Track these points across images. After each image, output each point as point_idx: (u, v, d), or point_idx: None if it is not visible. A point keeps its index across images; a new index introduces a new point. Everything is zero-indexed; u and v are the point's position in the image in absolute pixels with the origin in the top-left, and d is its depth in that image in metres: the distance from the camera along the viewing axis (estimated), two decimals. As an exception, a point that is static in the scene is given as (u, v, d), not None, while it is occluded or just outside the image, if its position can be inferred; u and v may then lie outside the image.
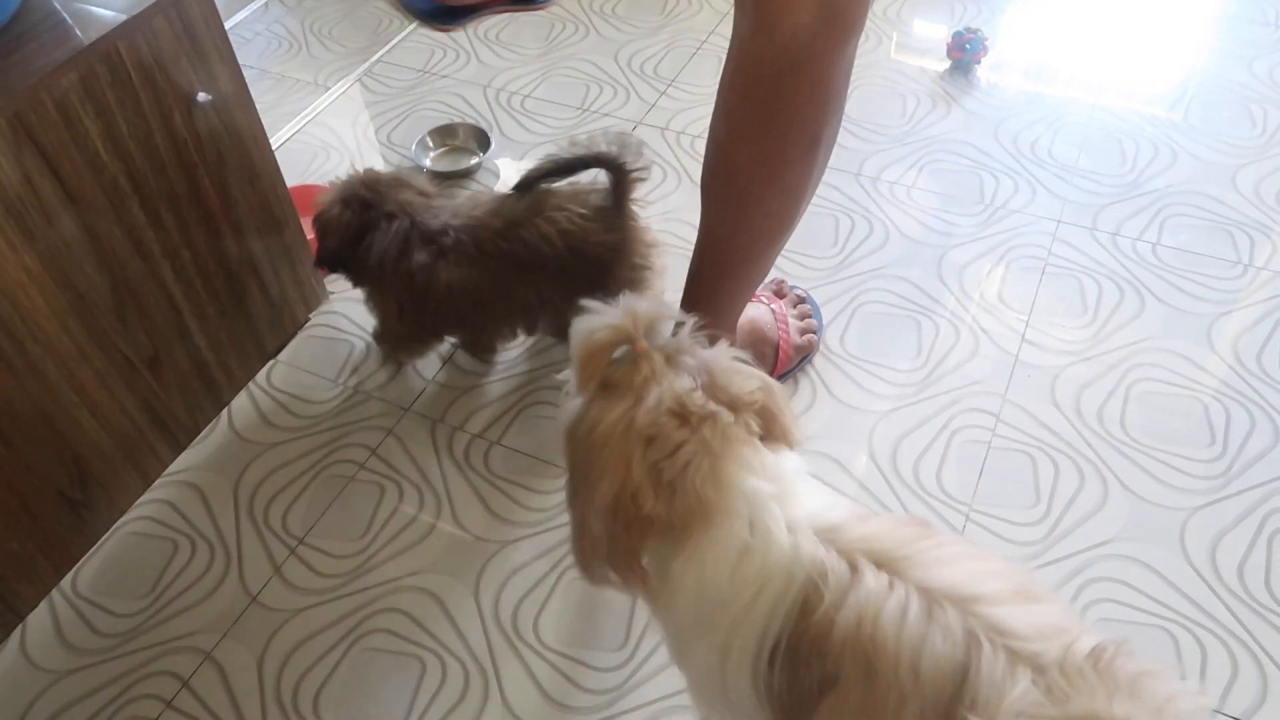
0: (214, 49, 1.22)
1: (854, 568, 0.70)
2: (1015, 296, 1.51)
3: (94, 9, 1.11)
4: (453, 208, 1.31)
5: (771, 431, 0.77)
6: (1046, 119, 1.82)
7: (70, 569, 1.25)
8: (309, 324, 1.54)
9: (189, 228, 1.26)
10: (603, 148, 1.21)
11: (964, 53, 1.90)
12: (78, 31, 1.08)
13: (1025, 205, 1.65)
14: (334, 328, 1.54)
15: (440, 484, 1.32)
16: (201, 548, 1.27)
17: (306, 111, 1.96)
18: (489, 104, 1.94)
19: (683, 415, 0.72)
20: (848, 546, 0.72)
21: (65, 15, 1.11)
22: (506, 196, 1.29)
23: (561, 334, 1.24)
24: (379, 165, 1.78)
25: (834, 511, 0.74)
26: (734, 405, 0.74)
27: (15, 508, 1.15)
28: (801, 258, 1.58)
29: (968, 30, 1.90)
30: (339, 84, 2.03)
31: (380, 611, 1.19)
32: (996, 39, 1.96)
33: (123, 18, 1.10)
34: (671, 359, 0.74)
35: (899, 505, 1.26)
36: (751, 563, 0.73)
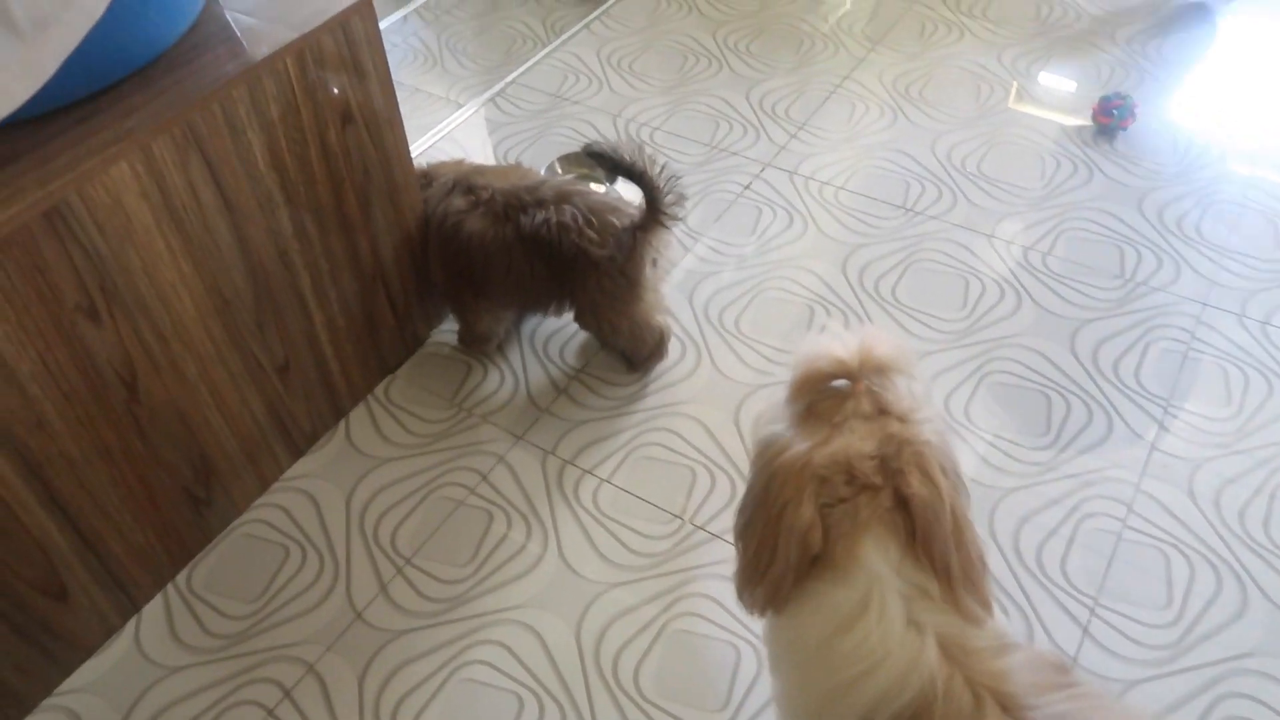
0: (372, 68, 1.24)
1: (978, 703, 0.67)
2: (1154, 380, 1.44)
3: (267, 24, 1.14)
4: (503, 172, 1.40)
5: (923, 540, 0.73)
6: (1196, 193, 1.74)
7: (187, 564, 1.28)
8: (428, 342, 1.55)
9: (330, 239, 1.28)
10: (660, 182, 1.27)
11: (1111, 118, 1.83)
12: (249, 46, 1.11)
13: (1168, 284, 1.58)
14: (453, 347, 1.55)
15: (548, 517, 1.31)
16: (311, 556, 1.28)
17: (439, 127, 1.99)
18: (618, 133, 1.94)
19: (850, 475, 0.71)
20: (978, 677, 0.68)
21: (238, 30, 1.14)
22: (552, 175, 1.37)
23: (541, 312, 1.43)
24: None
25: (975, 630, 0.71)
26: (900, 493, 0.71)
27: (144, 500, 1.17)
28: (928, 319, 1.53)
29: (1116, 95, 1.83)
30: (471, 101, 2.06)
31: (482, 643, 1.18)
32: (1143, 105, 1.89)
33: (294, 35, 1.12)
34: (882, 411, 0.72)
35: (1019, 589, 1.21)
36: (855, 639, 0.71)
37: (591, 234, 1.30)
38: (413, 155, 1.89)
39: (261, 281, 1.21)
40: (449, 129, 1.98)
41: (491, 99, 2.05)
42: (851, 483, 0.71)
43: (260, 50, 1.10)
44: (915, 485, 0.70)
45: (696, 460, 1.36)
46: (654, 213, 1.29)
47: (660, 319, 1.42)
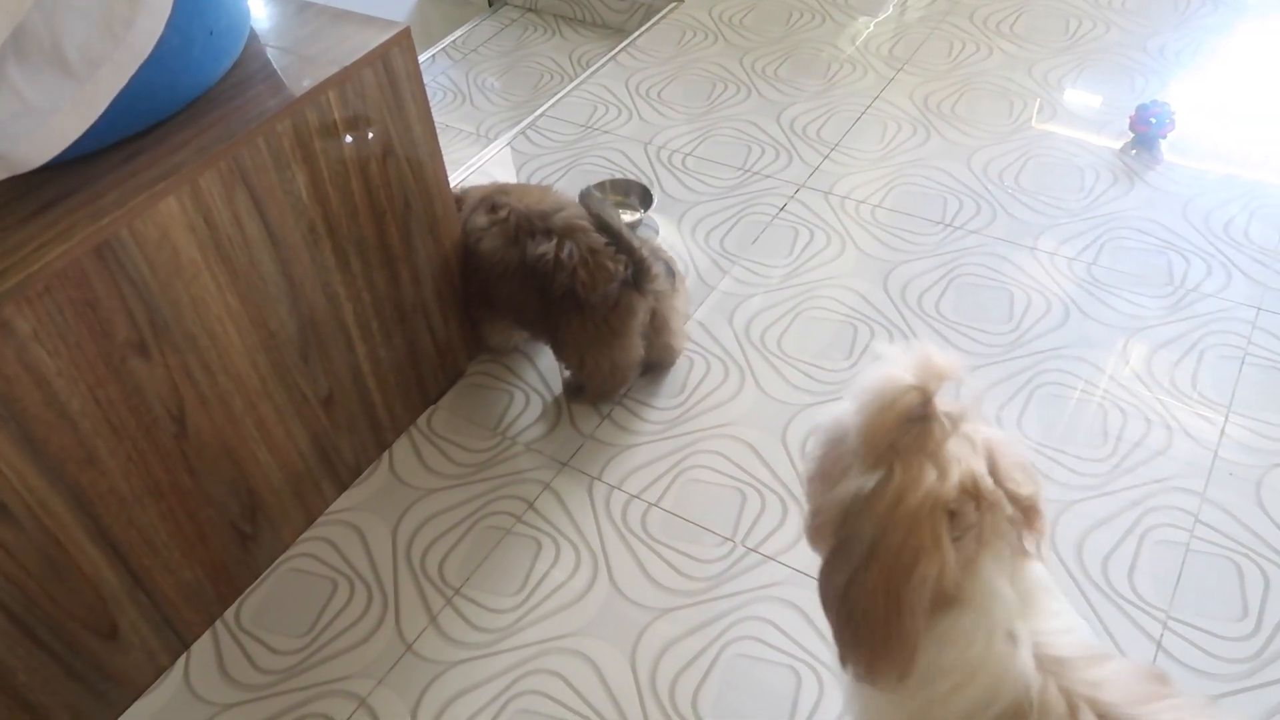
0: (412, 100, 1.25)
1: (1073, 712, 0.64)
2: (1212, 387, 1.40)
3: (307, 60, 1.15)
4: (528, 192, 1.44)
5: (1030, 533, 0.70)
6: (1241, 198, 1.71)
7: (235, 600, 1.27)
8: (469, 373, 1.55)
9: (372, 272, 1.29)
10: (646, 256, 1.31)
11: (1149, 126, 1.81)
12: (291, 81, 1.12)
13: (1219, 290, 1.55)
14: (493, 376, 1.54)
15: (597, 543, 1.29)
16: (360, 589, 1.27)
17: (471, 161, 2.00)
18: (650, 160, 1.94)
19: (978, 498, 0.67)
20: (1073, 686, 0.65)
21: (279, 66, 1.15)
22: (571, 204, 1.38)
23: (536, 338, 1.49)
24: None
25: (1069, 639, 0.68)
26: (1014, 496, 0.68)
27: (193, 536, 1.17)
28: (974, 332, 1.51)
29: (1155, 103, 1.81)
30: (502, 136, 2.07)
31: (536, 672, 1.16)
32: (1181, 112, 1.87)
33: (335, 69, 1.13)
34: (956, 426, 0.69)
35: (1086, 605, 1.17)
36: (954, 653, 0.68)
37: (584, 275, 1.31)
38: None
39: (306, 314, 1.21)
40: (480, 163, 1.99)
41: (521, 132, 2.06)
42: (980, 506, 0.67)
43: (302, 85, 1.11)
44: (1025, 483, 0.68)
45: (745, 482, 1.34)
46: (638, 282, 1.32)
47: (633, 366, 1.42)
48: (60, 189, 0.98)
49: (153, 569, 1.13)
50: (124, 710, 1.17)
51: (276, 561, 1.31)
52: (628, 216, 1.80)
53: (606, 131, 2.04)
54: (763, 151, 1.93)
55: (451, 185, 1.40)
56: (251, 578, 1.29)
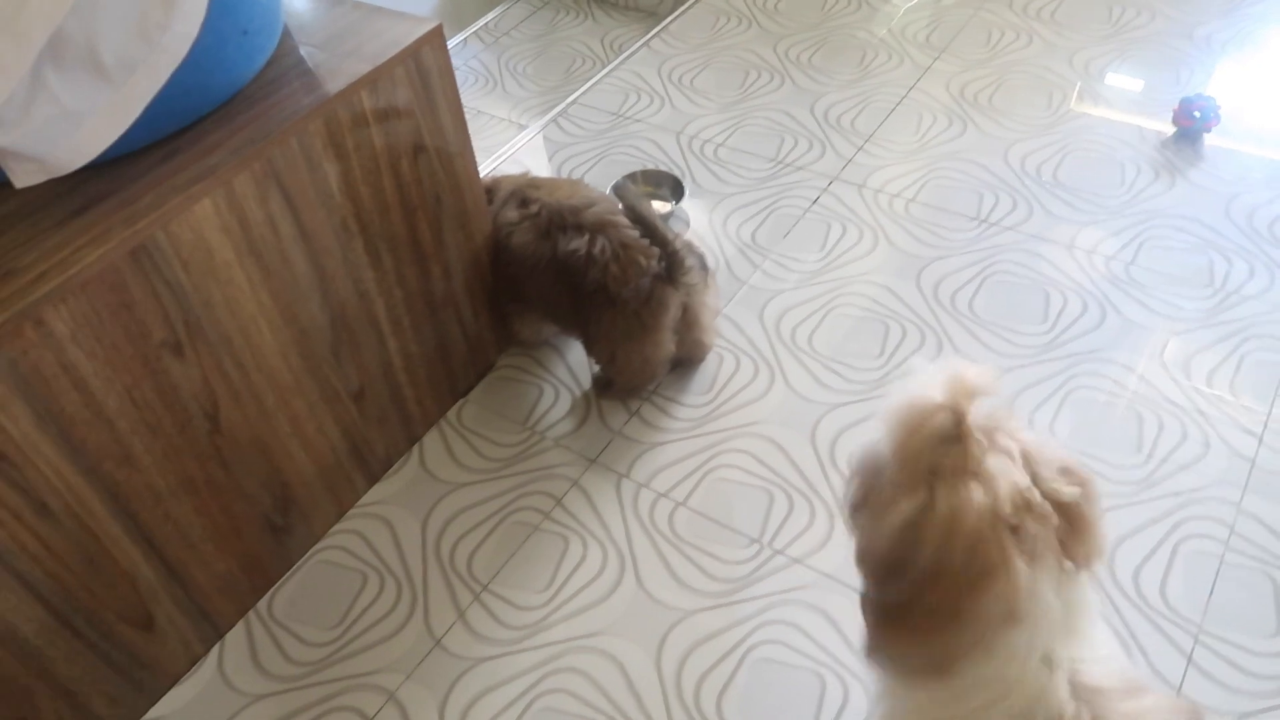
0: (443, 97, 1.24)
1: None
2: (1252, 393, 1.37)
3: (339, 58, 1.15)
4: (559, 186, 1.43)
5: (1076, 543, 0.69)
6: (1287, 196, 1.67)
7: (268, 590, 1.29)
8: (497, 366, 1.55)
9: (403, 267, 1.29)
10: (680, 249, 1.30)
11: (1193, 120, 1.77)
12: (324, 80, 1.12)
13: (1263, 291, 1.51)
14: (523, 370, 1.54)
15: (624, 542, 1.29)
16: (389, 583, 1.28)
17: (503, 150, 1.99)
18: (682, 150, 1.93)
19: (1031, 511, 0.65)
20: (1108, 716, 0.64)
21: (311, 64, 1.15)
22: (602, 199, 1.38)
23: (567, 333, 1.48)
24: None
25: (1107, 669, 0.67)
26: (1059, 503, 0.67)
27: (227, 529, 1.19)
28: (1008, 333, 1.49)
29: (1199, 97, 1.77)
30: (534, 123, 2.06)
31: (562, 670, 1.17)
32: (1226, 106, 1.82)
33: (368, 67, 1.13)
34: (992, 440, 0.68)
35: (1116, 615, 1.16)
36: (990, 668, 0.68)
37: (615, 269, 1.30)
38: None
39: (337, 310, 1.21)
40: (512, 151, 1.98)
41: (554, 120, 2.05)
42: (1035, 519, 0.66)
43: (335, 83, 1.11)
44: (1069, 487, 0.66)
45: (773, 482, 1.34)
46: (671, 275, 1.31)
47: (664, 361, 1.41)
48: (96, 192, 0.99)
49: (188, 562, 1.15)
50: (160, 698, 1.19)
51: (308, 553, 1.33)
52: (659, 208, 1.79)
53: (638, 120, 2.02)
54: (795, 142, 1.91)
55: (482, 174, 1.40)
56: (284, 569, 1.31)
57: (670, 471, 1.37)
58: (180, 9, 0.91)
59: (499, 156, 1.98)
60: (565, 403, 1.49)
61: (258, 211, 1.06)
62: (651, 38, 2.26)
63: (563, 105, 2.09)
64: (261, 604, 1.28)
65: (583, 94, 2.12)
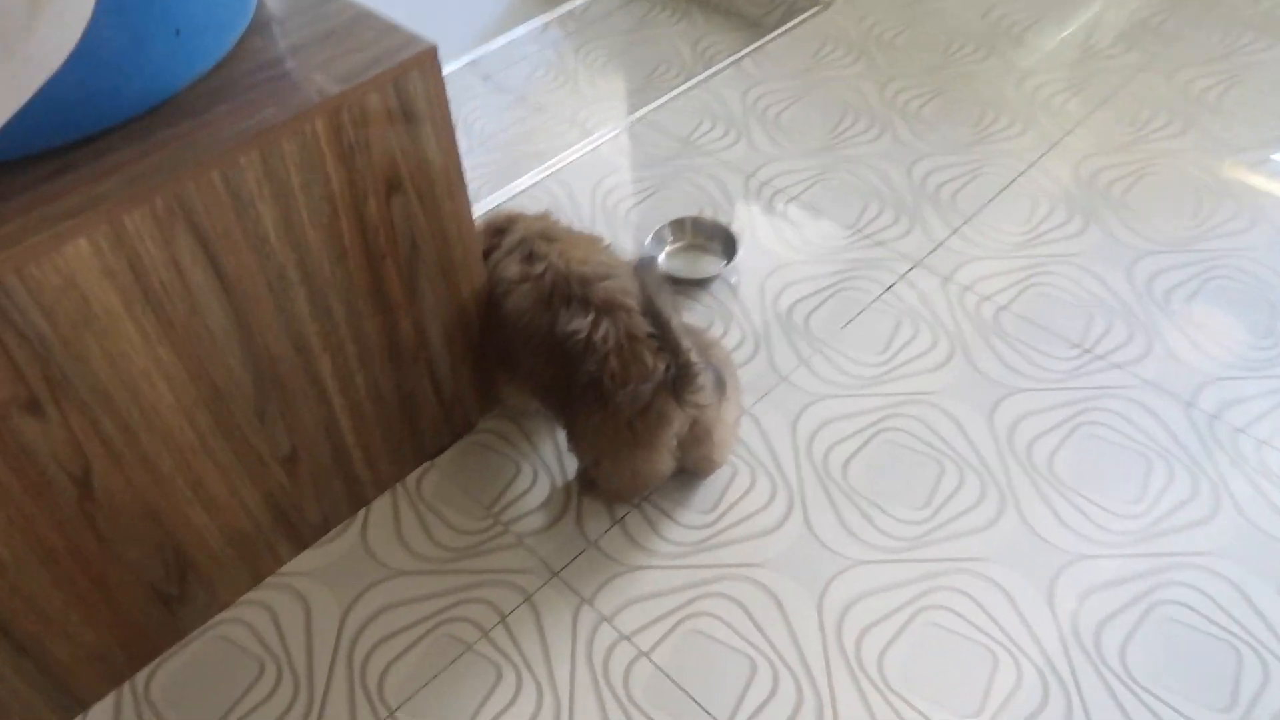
0: (432, 130, 1.02)
1: None
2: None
3: (306, 71, 0.94)
4: (575, 243, 1.21)
5: None
6: None
7: (151, 661, 1.11)
8: (478, 429, 1.34)
9: (360, 320, 1.08)
10: (694, 361, 1.06)
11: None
12: (278, 97, 0.91)
13: None
14: (505, 439, 1.33)
15: (566, 691, 1.07)
16: (286, 681, 1.09)
17: (552, 161, 1.77)
18: (748, 196, 1.67)
19: None
20: None
21: (270, 74, 0.94)
22: (619, 271, 1.15)
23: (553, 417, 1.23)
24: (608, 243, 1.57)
25: None
26: None
27: (98, 601, 1.01)
28: (1092, 508, 1.20)
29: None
30: (597, 132, 1.83)
31: None
32: None
33: (335, 89, 0.91)
34: None
35: (1068, 667, 0.89)
36: None
37: (615, 365, 1.07)
38: (520, 187, 1.69)
39: (266, 368, 1.01)
40: (559, 165, 1.75)
41: (618, 135, 1.81)
42: None
43: (288, 106, 0.90)
44: None
45: (759, 652, 1.09)
46: (677, 389, 1.08)
47: (658, 476, 1.18)
48: (-48, 207, 0.80)
49: (41, 636, 0.98)
50: (-3, 777, 1.03)
51: (208, 623, 1.15)
52: (705, 268, 1.54)
53: (707, 152, 1.77)
54: (881, 210, 1.63)
55: (527, 185, 1.19)
56: (174, 639, 1.13)
57: (642, 608, 1.14)
58: (52, 10, 0.70)
59: (548, 168, 1.75)
60: (542, 490, 1.27)
61: (157, 255, 0.86)
62: (745, 55, 2.00)
63: (631, 118, 1.85)
64: (140, 677, 1.10)
65: (654, 110, 1.87)
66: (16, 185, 0.82)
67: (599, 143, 1.80)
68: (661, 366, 1.08)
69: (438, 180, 1.06)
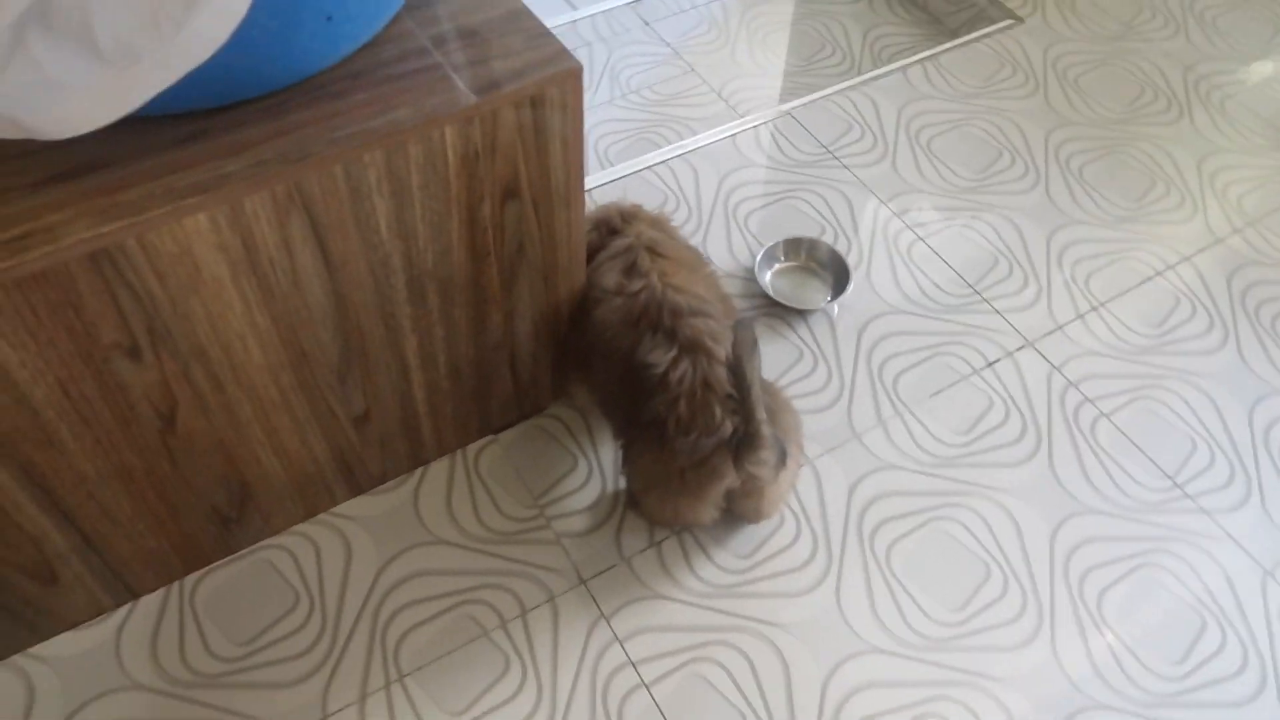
0: (560, 146, 1.01)
1: None
2: None
3: (446, 73, 0.93)
4: (679, 261, 1.19)
5: None
6: None
7: (200, 569, 1.20)
8: (546, 413, 1.36)
9: (453, 309, 1.10)
10: (764, 432, 1.04)
11: None
12: (408, 99, 0.90)
13: None
14: (567, 429, 1.35)
15: (564, 703, 1.12)
16: (314, 621, 1.16)
17: (687, 141, 1.72)
18: (874, 227, 1.61)
19: None
20: None
21: (408, 68, 0.93)
22: (712, 307, 1.15)
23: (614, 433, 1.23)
24: (717, 256, 1.54)
25: None
26: None
27: (162, 514, 1.08)
28: (1129, 658, 1.17)
29: None
30: (749, 115, 1.77)
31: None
32: None
33: (470, 100, 0.91)
34: None
35: None
36: None
37: (684, 410, 1.07)
38: (649, 162, 1.65)
39: (354, 341, 1.04)
40: (693, 147, 1.71)
41: (769, 122, 1.75)
42: None
43: (420, 109, 0.90)
44: None
45: (755, 712, 1.11)
46: (739, 452, 1.06)
47: (698, 524, 1.21)
48: (88, 157, 0.83)
49: (109, 535, 1.06)
50: (48, 638, 1.13)
51: (256, 545, 1.22)
52: (811, 296, 1.50)
53: (846, 165, 1.70)
54: (1010, 272, 1.55)
55: (624, 198, 1.19)
56: (224, 554, 1.21)
57: (656, 638, 1.17)
58: (208, 6, 0.71)
59: (679, 148, 1.71)
60: (592, 492, 1.29)
61: (270, 235, 0.88)
62: (915, 62, 1.89)
63: (775, 111, 1.78)
64: (189, 580, 1.19)
65: (803, 105, 1.80)
66: (150, 144, 0.85)
67: (739, 130, 1.75)
68: (729, 425, 1.07)
69: (556, 190, 1.05)
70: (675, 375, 1.08)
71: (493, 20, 0.98)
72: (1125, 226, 1.63)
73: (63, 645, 1.13)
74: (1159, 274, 1.57)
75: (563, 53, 0.95)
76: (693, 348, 1.10)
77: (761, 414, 1.04)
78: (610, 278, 1.18)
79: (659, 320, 1.12)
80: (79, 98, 0.74)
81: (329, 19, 0.85)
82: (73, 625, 1.14)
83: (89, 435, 0.93)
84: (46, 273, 0.78)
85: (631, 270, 1.18)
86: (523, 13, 0.99)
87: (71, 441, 0.92)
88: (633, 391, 1.13)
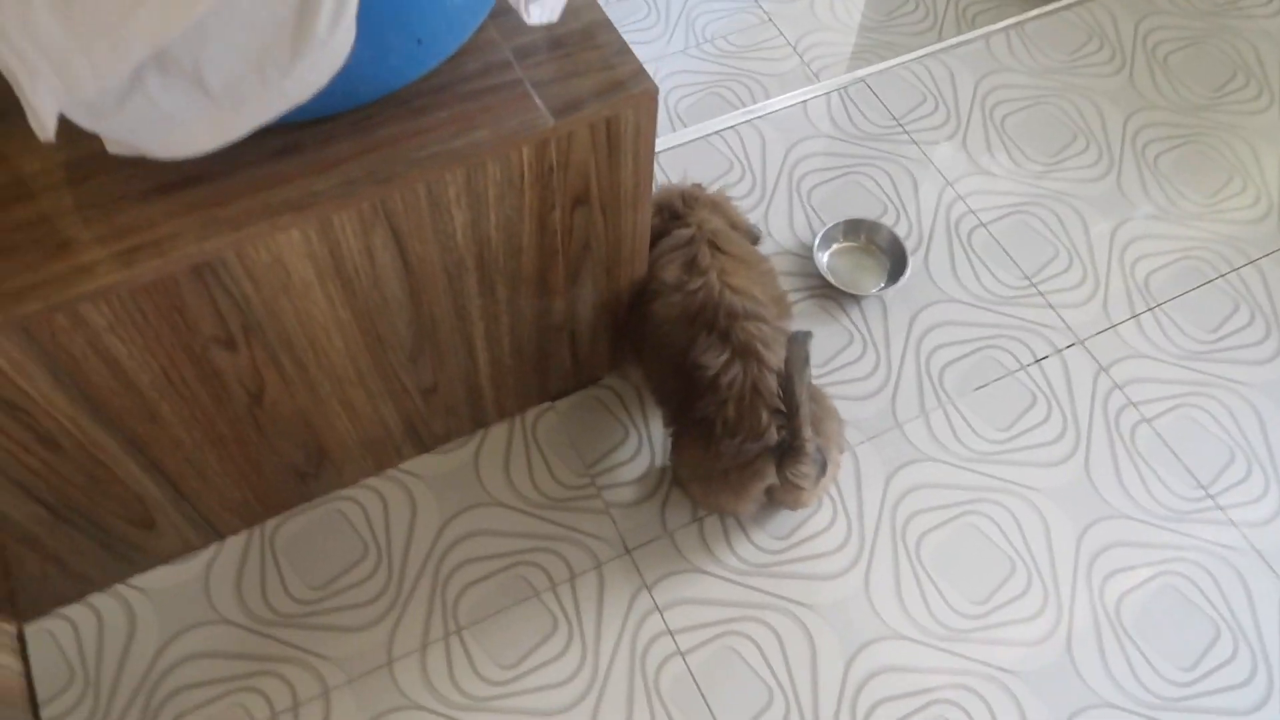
0: (632, 160, 1.04)
1: None
2: None
3: (524, 91, 0.96)
4: (742, 260, 1.23)
5: None
6: None
7: (280, 514, 1.30)
8: (600, 383, 1.42)
9: (519, 300, 1.15)
10: (808, 445, 1.10)
11: None
12: (488, 119, 0.94)
13: None
14: (622, 402, 1.41)
15: (605, 663, 1.22)
16: (381, 572, 1.27)
17: (755, 106, 1.72)
18: (937, 210, 1.61)
19: None
20: None
21: (487, 84, 0.97)
22: (768, 309, 1.19)
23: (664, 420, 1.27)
24: (778, 231, 1.56)
25: None
26: None
27: (248, 472, 1.18)
28: (1139, 660, 1.23)
29: None
30: (823, 76, 1.76)
31: (470, 772, 1.15)
32: None
33: (548, 122, 0.94)
34: None
35: None
36: None
37: (731, 413, 1.12)
38: (714, 127, 1.66)
39: (426, 328, 1.11)
40: (762, 113, 1.71)
41: (840, 90, 1.74)
42: None
43: (500, 129, 0.93)
44: None
45: (780, 687, 1.21)
46: (781, 460, 1.12)
47: (738, 514, 1.30)
48: (195, 169, 0.89)
49: (201, 491, 1.16)
50: (147, 570, 1.26)
51: (330, 494, 1.32)
52: (866, 281, 1.52)
53: (915, 141, 1.69)
54: (1068, 266, 1.56)
55: (685, 177, 1.25)
56: (301, 500, 1.31)
57: (693, 610, 1.26)
58: (309, 58, 0.75)
59: (745, 114, 1.71)
60: (641, 464, 1.36)
61: (354, 243, 0.94)
62: (1001, 29, 1.84)
63: (848, 78, 1.76)
64: (270, 525, 1.30)
65: (878, 72, 1.77)
66: (247, 158, 0.90)
67: (811, 96, 1.74)
68: (774, 433, 1.12)
69: (624, 197, 1.09)
70: (726, 379, 1.13)
71: (574, 33, 1.00)
72: (1193, 224, 1.61)
73: (159, 578, 1.26)
74: (1222, 276, 1.56)
75: (640, 73, 0.98)
76: (745, 352, 1.14)
77: (808, 431, 1.09)
78: (670, 271, 1.22)
79: (714, 321, 1.16)
80: (188, 129, 0.80)
81: (419, 42, 0.89)
82: (166, 560, 1.26)
83: (186, 411, 1.02)
84: (155, 284, 0.85)
85: (691, 266, 1.21)
86: (604, 25, 1.01)
87: (171, 416, 1.01)
88: (684, 386, 1.18)
